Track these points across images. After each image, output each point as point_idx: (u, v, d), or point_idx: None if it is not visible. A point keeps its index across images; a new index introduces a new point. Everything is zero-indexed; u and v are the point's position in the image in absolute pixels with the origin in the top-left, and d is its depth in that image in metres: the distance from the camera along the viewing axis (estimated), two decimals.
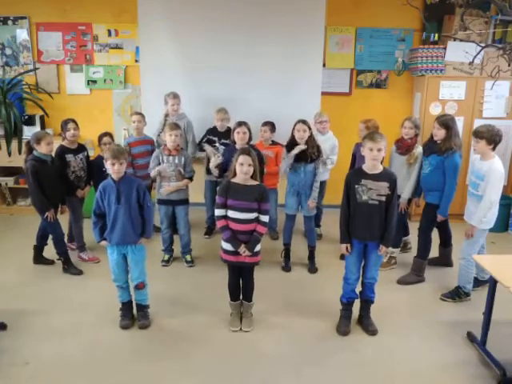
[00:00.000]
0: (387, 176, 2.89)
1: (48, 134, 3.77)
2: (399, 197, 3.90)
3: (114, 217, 2.94)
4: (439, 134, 3.55)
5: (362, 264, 3.07)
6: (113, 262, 3.03)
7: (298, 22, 4.86)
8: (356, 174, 2.96)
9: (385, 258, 4.05)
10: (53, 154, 3.80)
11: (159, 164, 3.84)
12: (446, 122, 3.52)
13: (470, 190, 3.39)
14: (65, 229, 3.96)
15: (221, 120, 4.37)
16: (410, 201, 3.98)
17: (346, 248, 3.00)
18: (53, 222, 3.72)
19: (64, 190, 3.89)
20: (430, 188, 3.67)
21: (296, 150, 3.70)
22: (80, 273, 3.84)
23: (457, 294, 3.46)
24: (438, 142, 3.57)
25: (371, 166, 2.89)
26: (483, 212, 3.23)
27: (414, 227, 4.05)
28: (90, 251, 4.15)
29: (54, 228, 3.78)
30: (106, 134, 4.17)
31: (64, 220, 4.04)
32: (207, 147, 4.27)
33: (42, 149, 3.62)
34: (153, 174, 3.86)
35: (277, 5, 4.84)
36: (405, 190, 3.87)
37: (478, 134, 3.25)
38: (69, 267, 3.85)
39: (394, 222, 2.95)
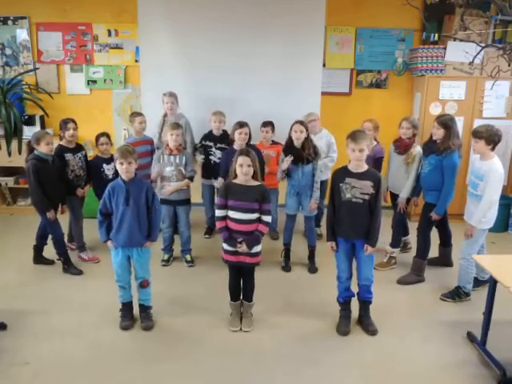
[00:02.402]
0: (371, 175, 2.90)
1: (48, 133, 3.77)
2: (398, 196, 3.91)
3: (120, 218, 2.92)
4: (438, 133, 3.55)
5: (355, 264, 3.07)
6: (116, 264, 3.01)
7: (298, 21, 4.85)
8: (341, 172, 2.97)
9: (385, 258, 4.06)
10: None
11: (160, 166, 3.84)
12: (445, 122, 3.52)
13: (470, 190, 3.39)
14: (65, 229, 3.96)
15: (218, 122, 4.35)
16: (408, 201, 3.98)
17: (332, 247, 3.03)
18: (53, 222, 3.73)
19: (64, 189, 3.89)
20: (429, 187, 3.68)
21: (285, 165, 3.74)
22: (80, 273, 3.84)
23: (457, 294, 3.46)
24: (438, 141, 3.58)
25: (355, 165, 2.90)
26: (483, 212, 3.23)
27: (413, 227, 4.05)
28: (90, 251, 4.15)
29: (54, 228, 3.78)
30: (103, 134, 4.18)
31: (64, 220, 4.04)
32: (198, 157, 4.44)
33: (41, 148, 3.62)
34: (153, 176, 3.87)
35: (277, 5, 4.83)
36: (403, 189, 3.88)
37: (476, 134, 3.25)
38: (69, 267, 3.85)
39: (379, 221, 2.94)
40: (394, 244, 4.07)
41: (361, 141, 2.81)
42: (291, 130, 3.75)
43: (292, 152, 3.75)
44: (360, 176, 2.88)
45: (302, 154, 3.72)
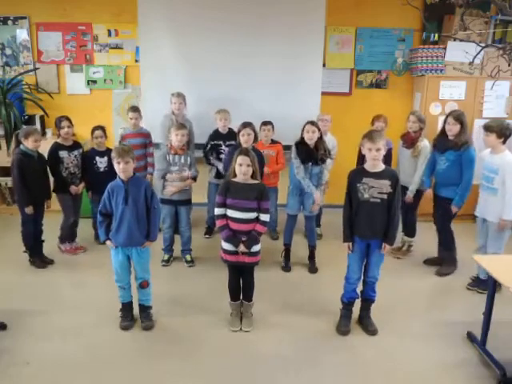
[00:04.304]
0: (389, 174, 2.90)
1: (37, 131, 3.81)
2: (407, 189, 4.01)
3: (120, 217, 2.91)
4: (454, 129, 3.62)
5: (364, 263, 3.06)
6: (116, 264, 3.00)
7: (298, 22, 4.86)
8: (357, 172, 2.97)
9: (405, 247, 4.25)
10: (40, 151, 3.87)
11: (167, 164, 3.85)
12: (461, 117, 3.61)
13: (485, 184, 3.43)
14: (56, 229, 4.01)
15: (224, 119, 4.35)
16: (418, 193, 4.05)
17: (348, 246, 3.01)
18: (28, 217, 3.80)
19: (49, 186, 3.95)
20: (447, 183, 3.72)
21: (315, 207, 3.85)
22: (45, 266, 3.92)
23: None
24: (451, 137, 3.64)
25: (372, 164, 2.89)
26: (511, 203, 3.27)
27: (422, 227, 4.15)
28: (71, 243, 4.25)
29: (28, 223, 3.86)
30: (99, 127, 4.24)
31: (55, 219, 4.12)
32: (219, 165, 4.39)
33: (28, 144, 3.68)
34: (158, 175, 3.90)
35: (277, 5, 4.84)
36: (412, 182, 4.00)
37: (488, 128, 3.34)
38: (34, 260, 3.94)
39: (397, 220, 2.95)
40: (410, 233, 4.23)
41: (378, 140, 2.81)
42: (303, 130, 3.73)
43: (305, 152, 3.73)
44: (377, 176, 2.87)
45: (316, 154, 3.71)
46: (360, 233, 2.97)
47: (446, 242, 3.88)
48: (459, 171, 3.61)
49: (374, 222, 2.91)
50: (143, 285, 3.06)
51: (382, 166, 2.91)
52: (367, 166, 2.92)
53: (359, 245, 3.00)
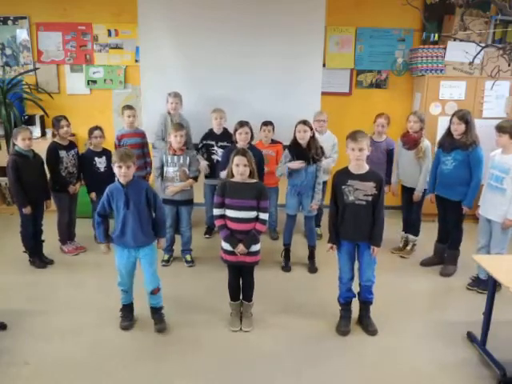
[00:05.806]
0: (373, 176, 2.88)
1: (25, 129, 3.81)
2: (414, 190, 4.04)
3: (123, 222, 2.89)
4: (460, 128, 3.61)
5: (357, 265, 3.05)
6: (121, 265, 2.98)
7: (298, 22, 4.85)
8: (342, 174, 2.94)
9: (409, 246, 4.26)
10: (38, 151, 3.89)
11: (162, 167, 3.85)
12: (466, 117, 3.60)
13: (493, 184, 3.41)
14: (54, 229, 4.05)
15: (219, 118, 4.36)
16: (422, 199, 4.06)
17: (331, 247, 3.03)
18: (27, 217, 3.82)
19: (47, 186, 3.97)
20: (455, 183, 3.69)
21: (294, 165, 3.73)
22: (44, 266, 3.94)
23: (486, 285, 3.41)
24: (458, 137, 3.63)
25: (356, 166, 2.87)
26: None
27: (426, 227, 4.16)
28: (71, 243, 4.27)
29: (27, 224, 3.88)
30: (97, 127, 4.25)
31: (52, 218, 4.15)
32: (202, 162, 4.33)
33: (19, 143, 3.70)
34: (157, 174, 3.92)
35: (277, 5, 4.83)
36: (418, 182, 4.01)
37: (501, 129, 3.34)
38: (34, 261, 3.96)
39: (382, 221, 2.92)
40: (414, 233, 4.24)
41: (361, 140, 2.80)
42: (295, 130, 3.73)
43: (298, 152, 3.73)
44: (362, 177, 2.86)
45: (308, 153, 3.71)
46: (347, 235, 2.96)
47: (456, 242, 3.87)
48: (467, 171, 3.61)
49: (360, 224, 2.90)
50: (154, 292, 3.04)
51: (366, 168, 2.90)
52: (351, 168, 2.90)
53: (347, 246, 3.00)
